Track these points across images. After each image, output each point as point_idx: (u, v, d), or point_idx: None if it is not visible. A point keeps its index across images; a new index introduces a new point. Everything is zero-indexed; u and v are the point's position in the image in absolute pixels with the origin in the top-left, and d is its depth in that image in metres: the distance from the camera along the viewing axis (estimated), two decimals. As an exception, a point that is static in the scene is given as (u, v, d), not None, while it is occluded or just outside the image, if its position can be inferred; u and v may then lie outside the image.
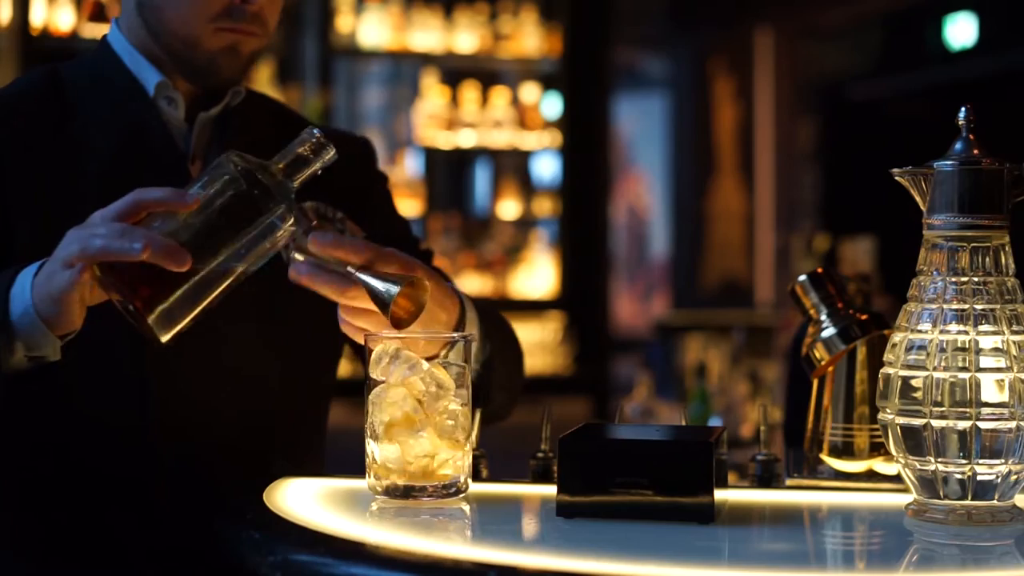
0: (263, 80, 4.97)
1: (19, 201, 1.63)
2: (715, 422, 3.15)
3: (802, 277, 1.63)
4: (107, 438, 1.65)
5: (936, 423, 1.31)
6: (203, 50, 1.66)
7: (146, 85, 1.71)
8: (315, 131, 1.42)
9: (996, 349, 1.31)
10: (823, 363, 1.60)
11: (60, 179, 1.65)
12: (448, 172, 5.82)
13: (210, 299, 1.37)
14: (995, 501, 1.32)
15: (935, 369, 1.31)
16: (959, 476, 1.31)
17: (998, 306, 1.32)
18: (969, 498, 1.31)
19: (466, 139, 5.33)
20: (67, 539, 1.66)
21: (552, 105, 5.48)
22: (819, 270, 1.64)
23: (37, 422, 1.64)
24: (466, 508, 1.42)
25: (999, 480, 1.31)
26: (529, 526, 1.42)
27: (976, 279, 1.33)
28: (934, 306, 1.34)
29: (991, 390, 1.30)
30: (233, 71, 1.69)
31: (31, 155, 1.66)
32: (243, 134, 1.73)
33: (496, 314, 1.82)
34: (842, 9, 6.83)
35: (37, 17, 4.53)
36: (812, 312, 1.62)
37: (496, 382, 1.74)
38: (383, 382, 1.43)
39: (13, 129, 1.67)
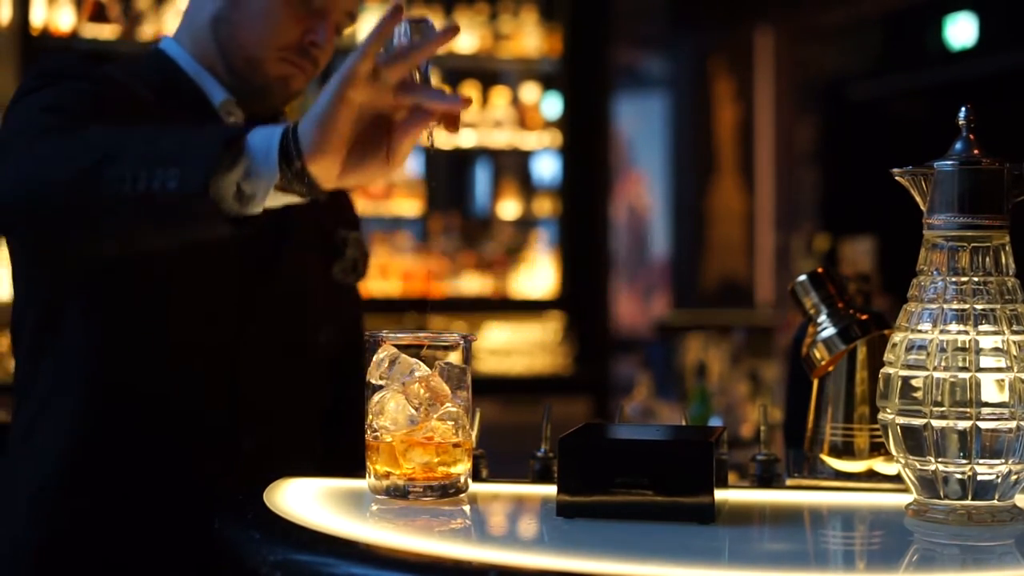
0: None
1: None
2: (715, 422, 3.14)
3: (802, 277, 1.63)
4: (199, 419, 1.77)
5: (936, 423, 1.31)
6: (262, 74, 1.80)
7: (211, 99, 1.81)
8: None
9: (996, 349, 1.31)
10: (823, 363, 1.60)
11: None
12: (448, 172, 5.82)
13: None
14: (995, 501, 1.32)
15: (935, 369, 1.31)
16: (959, 476, 1.31)
17: (998, 306, 1.32)
18: (969, 498, 1.31)
19: (466, 139, 5.33)
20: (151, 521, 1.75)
21: (552, 105, 5.48)
22: (819, 270, 1.64)
23: (135, 414, 1.75)
24: (466, 508, 1.42)
25: (999, 480, 1.31)
26: (529, 526, 1.42)
27: (976, 279, 1.33)
28: (934, 306, 1.34)
29: (991, 390, 1.30)
30: (282, 99, 1.85)
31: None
32: None
33: None
34: (842, 9, 6.82)
35: (37, 17, 4.53)
36: (812, 312, 1.62)
37: None
38: (383, 387, 1.43)
39: (120, 102, 1.72)
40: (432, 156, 5.46)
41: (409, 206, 5.30)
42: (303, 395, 1.90)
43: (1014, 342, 1.31)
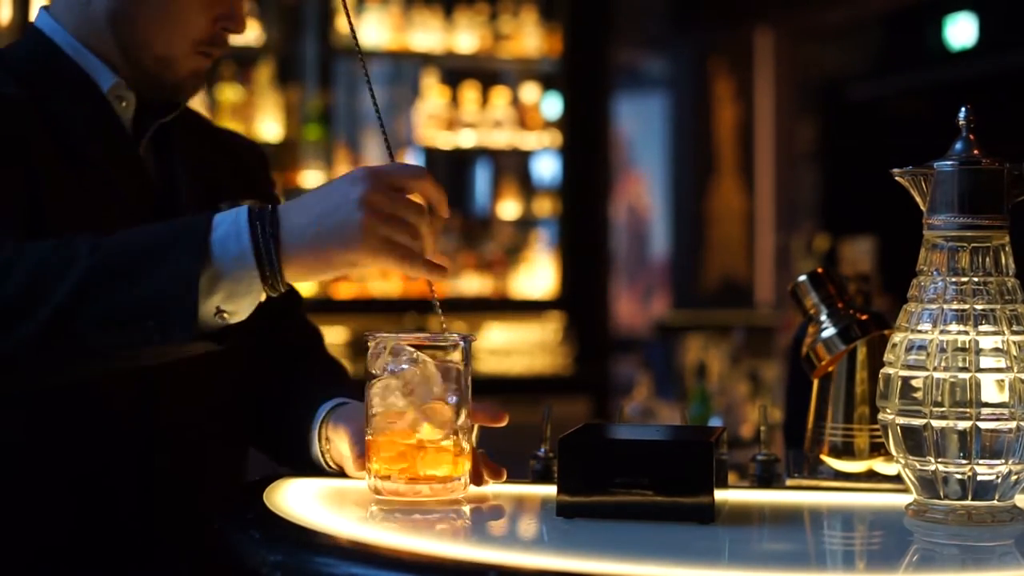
0: (263, 80, 4.97)
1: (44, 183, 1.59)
2: (715, 422, 3.14)
3: (802, 277, 1.63)
4: (112, 435, 1.65)
5: (936, 423, 1.31)
6: (175, 71, 1.68)
7: (99, 83, 1.68)
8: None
9: (996, 349, 1.31)
10: (823, 363, 1.60)
11: (48, 171, 1.60)
12: (448, 172, 5.82)
13: None
14: (995, 501, 1.32)
15: (935, 369, 1.31)
16: (959, 476, 1.31)
17: (998, 306, 1.32)
18: (969, 498, 1.31)
19: (466, 139, 5.33)
20: (67, 537, 1.66)
21: (552, 105, 5.48)
22: (819, 270, 1.64)
23: (49, 425, 1.63)
24: (466, 508, 1.42)
25: (999, 480, 1.31)
26: (529, 526, 1.42)
27: (976, 279, 1.33)
28: (934, 306, 1.34)
29: (991, 390, 1.30)
30: (196, 90, 1.73)
31: (27, 143, 1.60)
32: (182, 145, 1.77)
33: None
34: (842, 9, 6.82)
35: (37, 17, 4.53)
36: (812, 312, 1.62)
37: None
38: (380, 388, 1.43)
39: (10, 119, 1.60)
40: (431, 158, 5.47)
41: (409, 206, 5.29)
42: (222, 405, 1.76)
43: (1014, 342, 1.31)
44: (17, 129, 1.59)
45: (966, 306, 1.32)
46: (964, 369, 1.31)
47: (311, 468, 1.62)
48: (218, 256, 1.38)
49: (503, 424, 1.51)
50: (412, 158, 5.39)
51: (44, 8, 1.72)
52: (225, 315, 1.41)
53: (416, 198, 1.43)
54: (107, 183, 1.66)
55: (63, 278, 1.37)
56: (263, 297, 1.43)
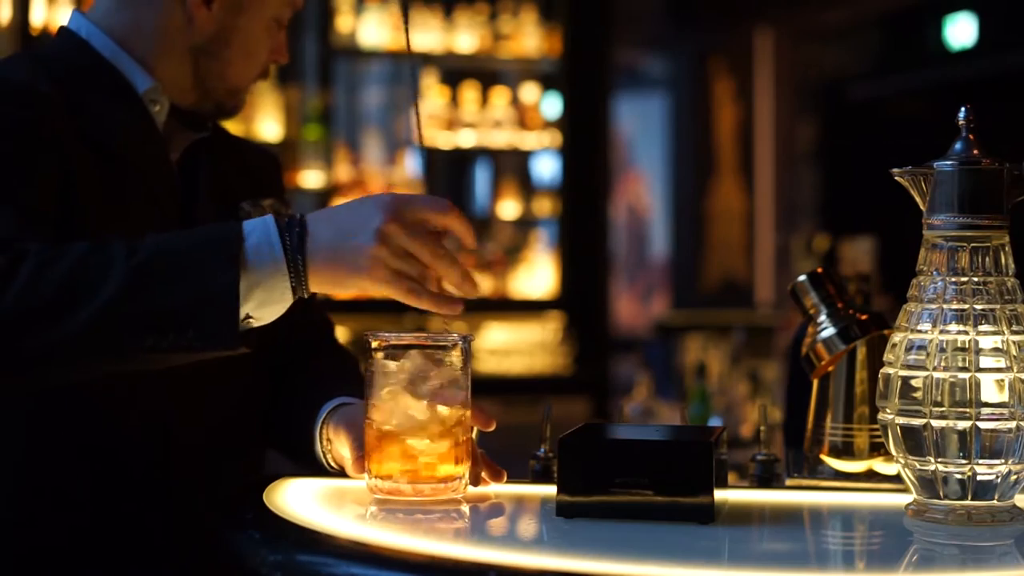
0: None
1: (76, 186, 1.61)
2: (715, 422, 3.14)
3: (802, 277, 1.64)
4: (130, 436, 1.67)
5: (936, 423, 1.31)
6: (237, 98, 1.81)
7: (135, 85, 1.71)
8: None
9: (996, 349, 1.31)
10: (823, 363, 1.60)
11: (80, 168, 1.62)
12: (448, 172, 5.82)
13: None
14: (995, 501, 1.32)
15: (935, 369, 1.31)
16: (959, 476, 1.31)
17: (998, 306, 1.32)
18: (969, 498, 1.31)
19: (466, 139, 5.33)
20: (69, 538, 1.66)
21: (552, 105, 5.48)
22: (819, 270, 1.64)
23: (67, 429, 1.64)
24: (466, 508, 1.42)
25: (999, 480, 1.31)
26: (529, 526, 1.42)
27: (976, 279, 1.33)
28: (934, 306, 1.34)
29: (991, 390, 1.30)
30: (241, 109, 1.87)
31: (60, 140, 1.61)
32: (207, 151, 1.82)
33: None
34: (842, 9, 6.83)
35: (37, 17, 4.53)
36: (812, 312, 1.62)
37: None
38: (381, 387, 1.43)
39: (45, 116, 1.61)
40: (430, 157, 5.47)
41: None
42: (237, 406, 1.78)
43: (1014, 342, 1.31)
44: (50, 126, 1.60)
45: (966, 306, 1.32)
46: (964, 369, 1.31)
47: (319, 466, 1.62)
48: (252, 265, 1.41)
49: (491, 429, 1.51)
50: (412, 158, 5.39)
51: (78, 11, 1.75)
52: (252, 321, 1.44)
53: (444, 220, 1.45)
54: (139, 182, 1.68)
55: (102, 281, 1.38)
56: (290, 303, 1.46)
